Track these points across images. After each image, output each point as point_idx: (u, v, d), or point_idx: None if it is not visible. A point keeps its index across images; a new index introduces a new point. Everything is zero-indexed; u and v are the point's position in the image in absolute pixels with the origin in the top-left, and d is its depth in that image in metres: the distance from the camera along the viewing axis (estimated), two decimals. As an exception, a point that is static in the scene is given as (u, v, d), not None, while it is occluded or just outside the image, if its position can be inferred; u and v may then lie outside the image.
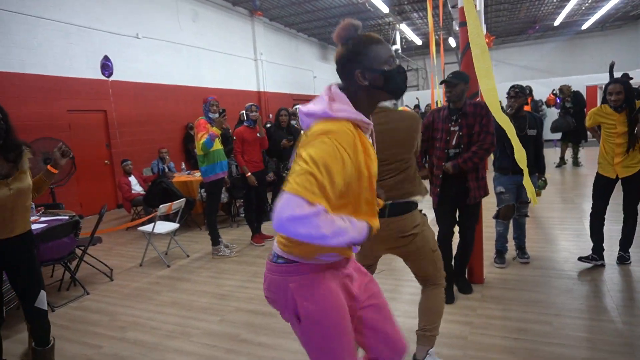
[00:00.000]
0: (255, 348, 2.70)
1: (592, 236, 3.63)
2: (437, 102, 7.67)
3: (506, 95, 3.68)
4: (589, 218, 3.67)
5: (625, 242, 3.58)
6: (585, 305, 2.92)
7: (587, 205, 4.46)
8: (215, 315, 3.23)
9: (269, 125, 6.22)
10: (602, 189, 3.54)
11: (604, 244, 3.59)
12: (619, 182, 3.47)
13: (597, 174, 3.57)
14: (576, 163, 8.90)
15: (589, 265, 3.58)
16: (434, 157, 3.10)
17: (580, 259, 3.64)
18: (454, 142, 2.98)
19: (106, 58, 7.13)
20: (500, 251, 3.85)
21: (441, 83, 3.03)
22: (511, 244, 3.97)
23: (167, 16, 9.35)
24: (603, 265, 3.55)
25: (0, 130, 2.10)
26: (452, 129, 3.01)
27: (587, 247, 3.98)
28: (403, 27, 14.65)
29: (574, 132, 8.47)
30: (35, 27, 6.69)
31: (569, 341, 2.48)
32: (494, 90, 2.75)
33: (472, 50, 2.78)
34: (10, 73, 6.36)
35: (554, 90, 12.97)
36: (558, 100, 11.87)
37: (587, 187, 4.11)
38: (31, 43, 6.65)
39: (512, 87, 3.63)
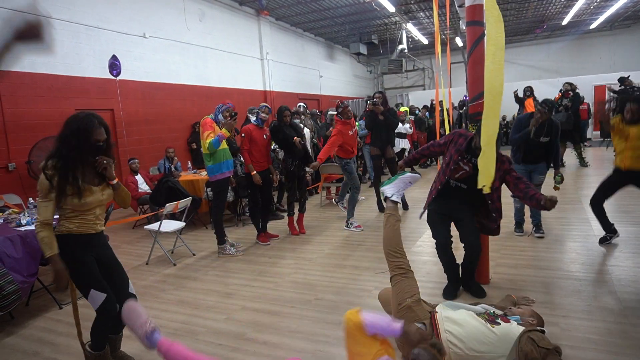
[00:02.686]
0: (260, 347, 2.71)
1: (600, 221, 4.04)
2: (441, 102, 7.62)
3: (538, 107, 4.01)
4: (595, 219, 4.09)
5: None
6: (592, 306, 2.90)
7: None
8: (221, 313, 3.25)
9: (273, 124, 6.19)
10: (613, 182, 3.86)
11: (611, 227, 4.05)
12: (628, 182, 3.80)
13: (615, 167, 3.86)
14: (583, 163, 8.78)
15: (595, 266, 3.58)
16: (439, 171, 3.25)
17: (600, 242, 4.05)
18: (457, 176, 3.08)
19: (114, 57, 7.18)
20: (519, 222, 4.57)
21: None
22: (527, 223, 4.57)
23: (174, 16, 9.40)
24: (618, 235, 4.06)
25: (100, 149, 2.43)
26: (460, 164, 3.06)
27: (593, 248, 3.98)
28: (409, 26, 14.61)
29: (571, 132, 8.31)
30: (44, 27, 6.75)
31: (576, 342, 2.47)
32: (499, 93, 2.45)
33: (487, 48, 2.53)
34: (20, 72, 6.43)
35: (561, 89, 12.89)
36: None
37: (593, 188, 4.08)
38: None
39: (544, 101, 4.05)
